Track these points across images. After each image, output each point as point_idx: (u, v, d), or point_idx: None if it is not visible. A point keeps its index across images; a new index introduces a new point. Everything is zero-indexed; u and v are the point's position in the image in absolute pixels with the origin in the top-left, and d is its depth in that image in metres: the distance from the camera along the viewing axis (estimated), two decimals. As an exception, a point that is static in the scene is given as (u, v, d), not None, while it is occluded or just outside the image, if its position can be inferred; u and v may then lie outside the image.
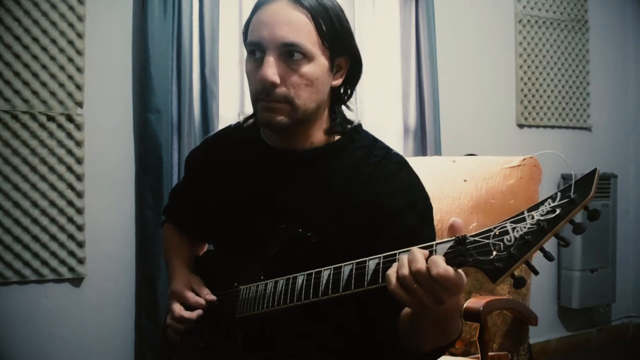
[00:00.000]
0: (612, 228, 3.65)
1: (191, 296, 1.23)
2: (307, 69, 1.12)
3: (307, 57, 1.12)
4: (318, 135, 1.21)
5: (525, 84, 3.46)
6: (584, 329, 3.76)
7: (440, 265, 0.84)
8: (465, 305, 1.70)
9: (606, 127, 3.79)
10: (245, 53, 1.20)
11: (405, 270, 0.87)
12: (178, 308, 1.23)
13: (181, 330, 1.23)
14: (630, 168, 3.92)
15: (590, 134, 3.74)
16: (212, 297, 1.22)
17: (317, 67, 1.14)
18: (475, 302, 1.71)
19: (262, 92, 1.12)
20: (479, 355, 1.73)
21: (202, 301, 1.21)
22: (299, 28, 1.11)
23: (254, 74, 1.13)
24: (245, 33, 1.18)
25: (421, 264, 0.85)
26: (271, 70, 1.09)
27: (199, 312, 1.21)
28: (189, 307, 1.22)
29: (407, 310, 1.03)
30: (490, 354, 1.77)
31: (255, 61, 1.13)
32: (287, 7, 1.11)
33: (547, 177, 2.02)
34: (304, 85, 1.13)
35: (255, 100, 1.15)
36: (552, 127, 3.59)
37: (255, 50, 1.13)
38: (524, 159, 2.00)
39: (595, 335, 3.81)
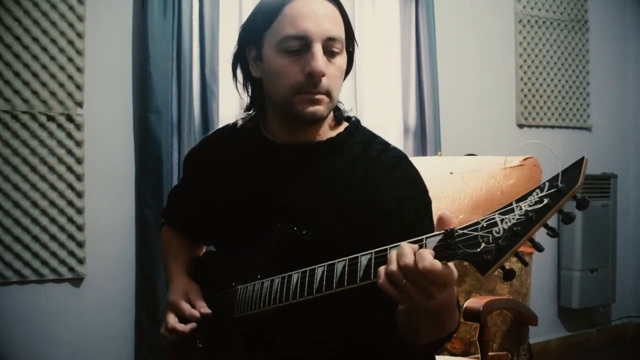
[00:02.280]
0: (612, 228, 3.65)
1: (186, 308, 1.22)
2: (340, 61, 1.15)
3: (340, 50, 1.15)
4: (324, 129, 1.22)
5: (525, 84, 3.46)
6: (584, 329, 3.76)
7: (426, 259, 0.84)
8: (465, 305, 1.70)
9: (606, 127, 3.80)
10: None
11: (394, 266, 0.86)
12: (172, 320, 1.22)
13: (174, 341, 1.22)
14: (630, 168, 3.92)
15: (590, 134, 3.74)
16: (207, 311, 1.21)
17: (344, 59, 1.17)
18: (475, 302, 1.71)
19: (307, 85, 1.11)
20: (479, 355, 1.73)
21: (196, 314, 1.21)
22: (337, 21, 1.14)
23: (293, 68, 1.12)
24: (262, 28, 1.15)
25: (409, 259, 0.85)
26: (323, 61, 1.10)
27: (193, 325, 1.20)
28: (183, 318, 1.22)
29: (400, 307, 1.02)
30: (490, 354, 1.76)
31: (294, 54, 1.12)
32: (320, 1, 1.13)
33: (547, 177, 2.02)
34: (338, 77, 1.16)
35: (293, 94, 1.13)
36: (552, 127, 3.59)
37: (298, 43, 1.11)
38: (524, 159, 2.01)
39: (595, 335, 3.81)
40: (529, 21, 3.47)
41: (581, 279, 3.51)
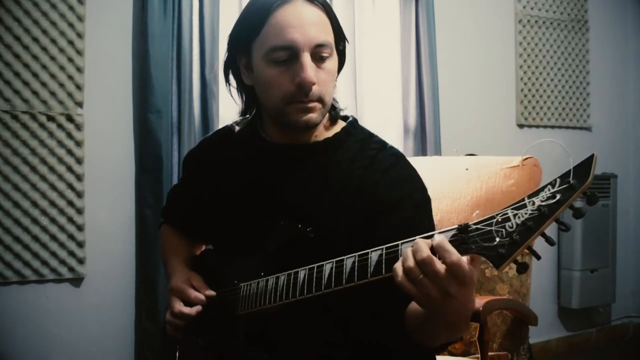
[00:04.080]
0: (612, 228, 3.65)
1: (191, 292, 1.23)
2: (330, 64, 1.15)
3: (330, 54, 1.14)
4: (320, 130, 1.22)
5: (525, 84, 3.46)
6: (584, 329, 3.76)
7: (447, 247, 0.84)
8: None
9: (606, 127, 3.80)
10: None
11: (411, 262, 0.86)
12: (177, 304, 1.23)
13: (181, 326, 1.23)
14: (630, 168, 3.92)
15: (590, 134, 3.74)
16: (212, 292, 1.22)
17: (334, 61, 1.17)
18: (475, 302, 1.71)
19: (298, 94, 1.11)
20: (479, 355, 1.73)
21: (201, 297, 1.21)
22: (324, 26, 1.13)
23: (283, 78, 1.11)
24: (250, 38, 1.15)
25: (426, 253, 0.85)
26: (312, 71, 1.10)
27: (199, 308, 1.21)
28: (188, 303, 1.23)
29: (417, 311, 1.01)
30: (490, 354, 1.77)
31: (283, 64, 1.11)
32: (306, 6, 1.12)
33: (547, 177, 2.02)
34: (329, 81, 1.15)
35: (285, 103, 1.13)
36: (552, 127, 3.59)
37: (285, 53, 1.10)
38: (524, 159, 2.01)
39: (595, 335, 3.81)
40: (529, 21, 3.47)
41: (581, 279, 3.51)
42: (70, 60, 2.34)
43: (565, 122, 3.62)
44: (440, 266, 0.85)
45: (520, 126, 3.48)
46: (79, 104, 2.37)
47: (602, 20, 3.76)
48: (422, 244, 0.87)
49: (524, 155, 2.01)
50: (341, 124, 1.25)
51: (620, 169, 3.76)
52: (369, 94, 2.92)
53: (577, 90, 3.65)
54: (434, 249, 0.86)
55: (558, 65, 3.57)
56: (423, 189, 1.19)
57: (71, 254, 2.35)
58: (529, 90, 3.48)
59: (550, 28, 3.54)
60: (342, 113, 1.27)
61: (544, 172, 2.02)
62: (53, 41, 2.30)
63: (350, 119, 1.27)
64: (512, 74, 3.45)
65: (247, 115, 1.29)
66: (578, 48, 3.64)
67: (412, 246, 0.88)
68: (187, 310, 1.21)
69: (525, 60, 3.46)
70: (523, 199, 0.83)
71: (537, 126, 3.53)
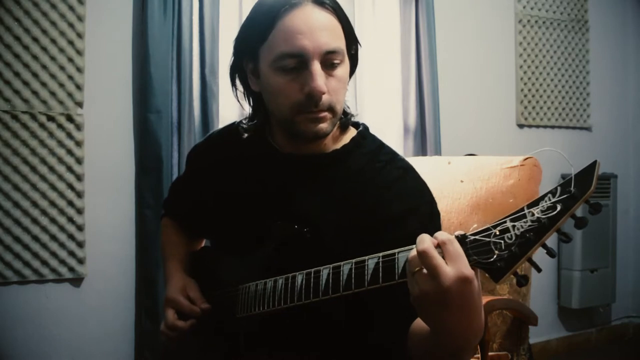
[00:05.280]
0: (612, 228, 3.65)
1: (186, 304, 1.22)
2: (341, 71, 1.10)
3: (341, 60, 1.09)
4: (329, 140, 1.18)
5: (525, 84, 3.47)
6: (584, 329, 3.76)
7: (445, 234, 0.82)
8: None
9: (606, 127, 3.80)
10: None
11: (414, 251, 0.83)
12: (172, 316, 1.22)
13: (175, 338, 1.22)
14: (630, 168, 3.92)
15: (590, 134, 3.74)
16: (207, 306, 1.21)
17: (346, 67, 1.12)
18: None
19: (307, 104, 1.07)
20: (479, 355, 1.73)
21: (196, 310, 1.20)
22: (335, 32, 1.08)
23: (291, 86, 1.07)
24: (257, 43, 1.11)
25: (428, 245, 0.82)
26: (321, 79, 1.05)
27: (193, 321, 1.20)
28: (183, 314, 1.22)
29: (420, 330, 0.97)
30: (490, 354, 1.76)
31: (292, 72, 1.06)
32: (316, 11, 1.06)
33: (547, 177, 2.02)
34: (340, 89, 1.10)
35: (294, 113, 1.09)
36: (552, 127, 3.59)
37: (294, 61, 1.06)
38: (524, 159, 2.00)
39: (595, 335, 3.81)
40: (529, 21, 3.47)
41: (581, 279, 3.51)
42: (70, 60, 2.34)
43: (565, 122, 3.62)
44: (439, 259, 0.81)
45: (520, 126, 3.48)
46: (79, 104, 2.37)
47: (602, 20, 3.76)
48: (426, 236, 0.83)
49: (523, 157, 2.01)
50: (351, 133, 1.22)
51: (620, 169, 3.76)
52: (369, 94, 2.92)
53: (577, 90, 3.65)
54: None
55: (558, 65, 3.57)
56: (431, 203, 1.15)
57: (71, 254, 2.35)
58: (529, 90, 3.48)
59: (550, 28, 3.54)
60: (352, 119, 1.22)
61: (544, 172, 2.02)
62: (53, 41, 2.30)
63: (361, 127, 1.23)
64: (512, 74, 3.45)
65: (255, 121, 1.25)
66: (578, 48, 3.64)
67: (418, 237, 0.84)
68: (180, 323, 1.20)
69: (525, 60, 3.46)
70: (522, 209, 0.80)
71: (537, 126, 3.53)
